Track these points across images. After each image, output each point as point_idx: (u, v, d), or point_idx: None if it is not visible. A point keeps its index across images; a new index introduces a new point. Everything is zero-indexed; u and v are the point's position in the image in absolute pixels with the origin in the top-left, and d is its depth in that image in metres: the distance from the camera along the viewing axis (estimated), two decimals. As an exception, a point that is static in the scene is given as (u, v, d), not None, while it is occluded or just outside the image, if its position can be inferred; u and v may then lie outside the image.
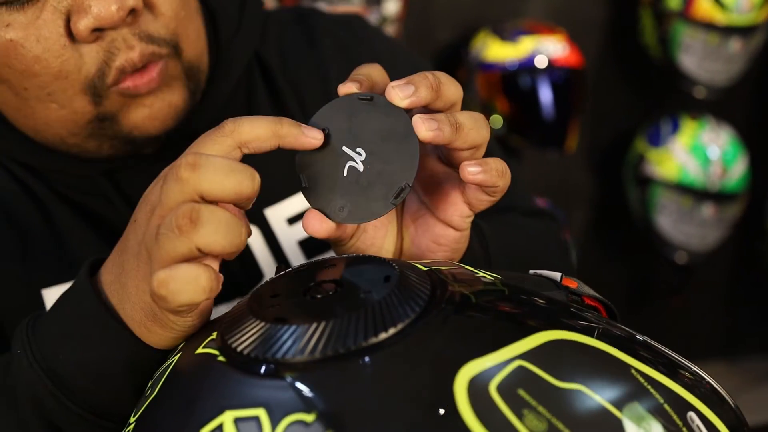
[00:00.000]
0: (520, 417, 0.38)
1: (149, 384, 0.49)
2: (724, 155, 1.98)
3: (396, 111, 0.51)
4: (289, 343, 0.41)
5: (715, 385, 0.48)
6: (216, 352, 0.44)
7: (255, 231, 0.74)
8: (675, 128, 2.02)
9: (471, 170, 0.53)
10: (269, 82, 0.78)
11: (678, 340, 2.57)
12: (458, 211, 0.57)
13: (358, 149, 0.52)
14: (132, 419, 0.47)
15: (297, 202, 0.76)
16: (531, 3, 2.01)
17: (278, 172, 0.75)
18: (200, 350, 0.46)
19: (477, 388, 0.39)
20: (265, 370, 0.41)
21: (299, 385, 0.39)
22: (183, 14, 0.65)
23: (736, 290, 2.43)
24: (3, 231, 0.70)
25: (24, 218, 0.70)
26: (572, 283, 0.54)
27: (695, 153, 1.98)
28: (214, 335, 0.46)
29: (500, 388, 0.39)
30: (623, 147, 2.14)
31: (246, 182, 0.47)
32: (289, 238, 0.75)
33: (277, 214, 0.75)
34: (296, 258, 0.75)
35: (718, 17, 1.85)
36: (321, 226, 0.53)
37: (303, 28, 0.82)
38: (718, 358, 2.43)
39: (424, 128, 0.51)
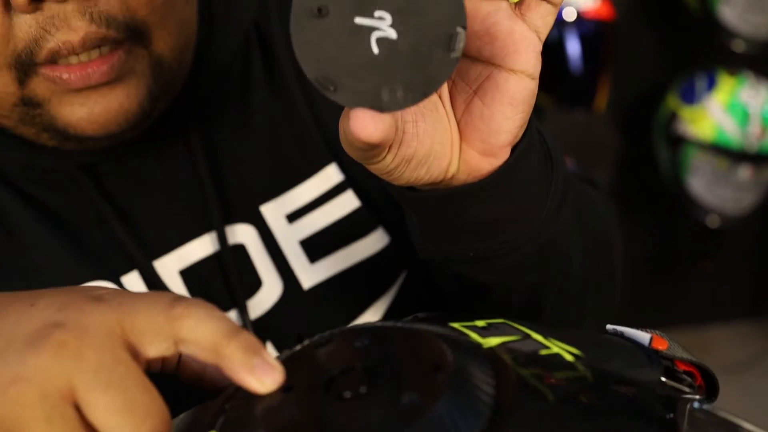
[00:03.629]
0: None
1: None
2: (763, 114, 1.87)
3: None
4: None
5: None
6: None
7: (251, 231, 0.65)
8: (711, 84, 1.91)
9: None
10: (268, 56, 0.67)
11: (704, 302, 2.52)
12: (531, 46, 0.45)
13: (377, 13, 0.39)
14: None
15: (298, 196, 0.66)
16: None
17: (273, 163, 0.66)
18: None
19: None
20: None
21: None
22: (161, 0, 0.54)
23: (763, 252, 2.35)
24: None
25: None
26: (662, 344, 0.43)
27: (732, 111, 1.87)
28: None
29: None
30: (653, 103, 2.02)
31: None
32: (290, 238, 0.65)
33: (275, 210, 0.65)
34: (298, 261, 0.65)
35: (764, -35, 1.73)
36: (375, 126, 0.40)
37: None
38: (743, 319, 2.36)
39: None
